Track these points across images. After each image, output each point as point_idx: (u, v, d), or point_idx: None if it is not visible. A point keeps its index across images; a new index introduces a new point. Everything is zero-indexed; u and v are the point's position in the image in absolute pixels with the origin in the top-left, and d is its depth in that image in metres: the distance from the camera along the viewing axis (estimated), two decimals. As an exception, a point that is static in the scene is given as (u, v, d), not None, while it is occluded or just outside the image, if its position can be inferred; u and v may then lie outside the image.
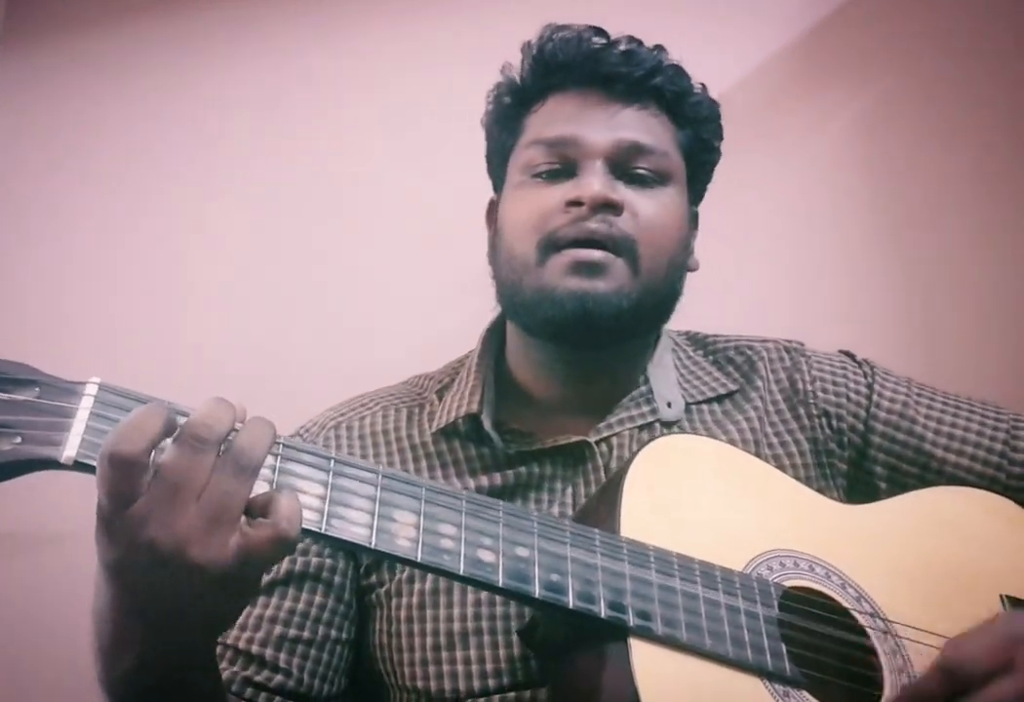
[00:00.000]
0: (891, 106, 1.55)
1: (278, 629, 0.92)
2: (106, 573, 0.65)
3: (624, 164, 0.98)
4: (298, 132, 1.71)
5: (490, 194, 1.12)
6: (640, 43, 1.03)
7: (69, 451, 0.62)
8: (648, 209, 0.98)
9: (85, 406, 0.64)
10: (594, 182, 0.95)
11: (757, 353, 1.08)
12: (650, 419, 1.00)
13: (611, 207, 0.95)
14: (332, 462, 0.70)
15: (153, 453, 0.61)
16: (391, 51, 1.70)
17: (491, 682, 0.88)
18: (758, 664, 0.76)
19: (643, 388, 1.02)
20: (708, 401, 1.03)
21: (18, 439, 0.61)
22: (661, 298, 1.00)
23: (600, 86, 1.01)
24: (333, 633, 0.94)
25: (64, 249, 1.73)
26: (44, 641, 1.48)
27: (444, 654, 0.89)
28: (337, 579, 0.95)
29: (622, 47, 1.02)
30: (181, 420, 0.63)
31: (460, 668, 0.89)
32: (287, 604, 0.93)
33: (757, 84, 1.57)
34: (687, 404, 1.02)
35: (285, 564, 0.94)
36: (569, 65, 1.02)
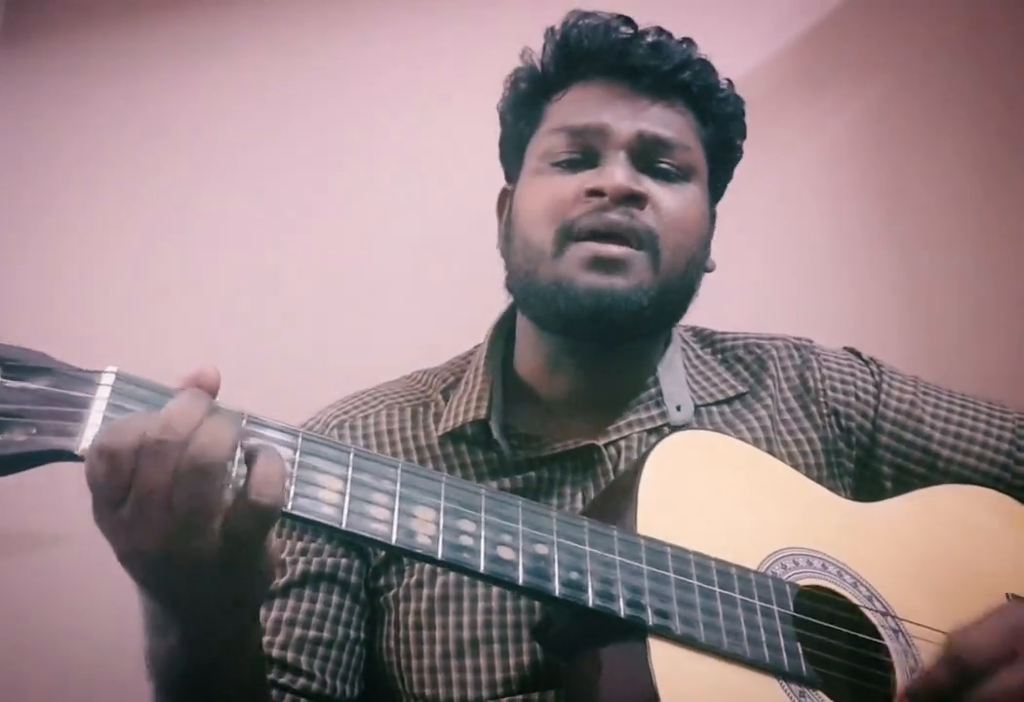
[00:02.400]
0: (891, 105, 1.54)
1: (298, 631, 0.90)
2: (121, 562, 0.64)
3: (647, 157, 0.96)
4: (300, 130, 1.69)
5: (494, 187, 1.09)
6: (669, 35, 1.01)
7: (85, 443, 0.60)
8: (671, 203, 0.95)
9: (102, 396, 0.63)
10: (617, 173, 0.93)
11: (767, 351, 1.06)
12: (659, 422, 0.98)
13: (634, 199, 0.93)
14: (351, 456, 0.69)
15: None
16: (394, 48, 1.69)
17: (500, 690, 0.87)
18: (775, 664, 0.75)
19: (652, 390, 1.00)
20: (718, 403, 1.02)
21: (33, 430, 0.60)
22: (679, 296, 0.98)
23: (626, 78, 0.98)
24: (352, 633, 0.92)
25: (64, 248, 1.72)
26: (44, 641, 1.47)
27: (453, 662, 0.88)
28: (353, 579, 0.94)
29: (650, 39, 0.99)
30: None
31: (469, 676, 0.87)
32: (305, 606, 0.91)
33: (757, 84, 1.55)
34: (696, 406, 1.00)
35: (300, 565, 0.93)
36: (595, 54, 0.99)
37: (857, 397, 1.03)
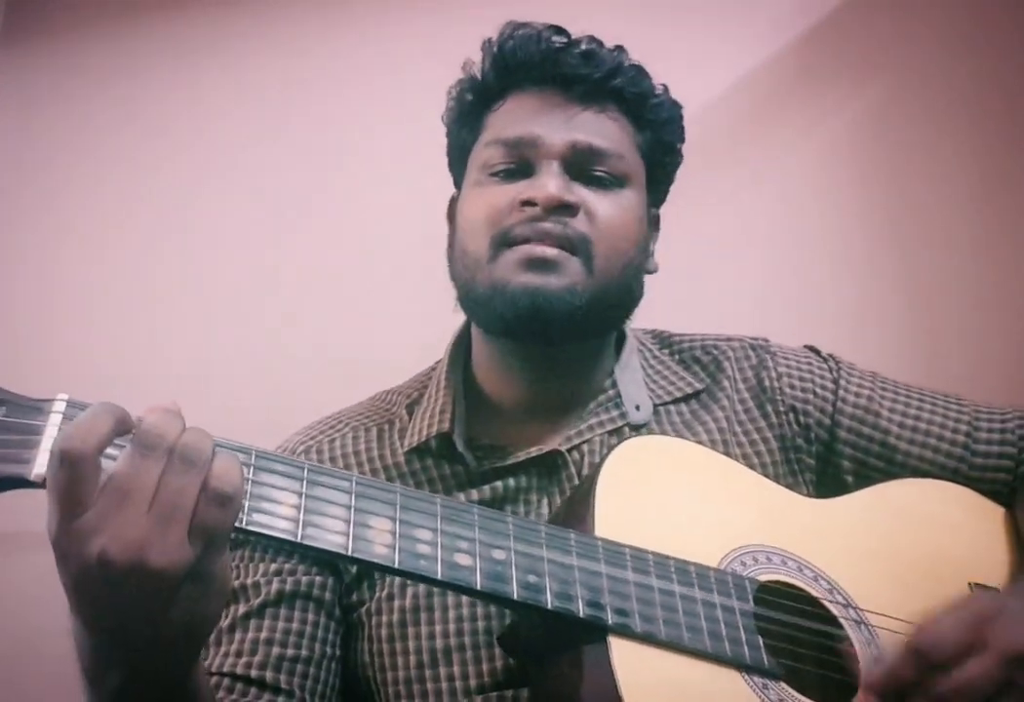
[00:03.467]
0: (891, 105, 1.55)
1: (276, 650, 0.90)
2: (68, 594, 0.62)
3: (580, 166, 0.98)
4: (300, 130, 1.70)
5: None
6: (600, 44, 1.03)
7: (38, 469, 0.61)
8: (604, 210, 0.97)
9: (53, 423, 0.63)
10: (549, 183, 0.95)
11: (723, 352, 1.08)
12: (619, 423, 1.00)
13: (566, 208, 0.95)
14: (305, 471, 0.70)
15: (103, 461, 0.60)
16: (395, 48, 1.70)
17: (477, 698, 0.87)
18: (736, 657, 0.76)
19: (611, 392, 1.02)
20: (676, 401, 1.03)
21: (-14, 458, 0.61)
22: (616, 299, 1.00)
23: (559, 86, 1.00)
24: (329, 650, 0.93)
25: (64, 248, 1.73)
26: (43, 641, 1.45)
27: (428, 672, 0.89)
28: (328, 595, 0.94)
29: (582, 47, 1.01)
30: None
31: (444, 685, 0.88)
32: (281, 625, 0.92)
33: (757, 84, 1.57)
34: (655, 405, 1.02)
35: (275, 585, 0.93)
36: (528, 64, 1.01)
37: (815, 393, 1.05)
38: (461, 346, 1.08)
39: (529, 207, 0.95)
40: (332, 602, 0.94)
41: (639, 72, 1.04)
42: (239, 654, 0.90)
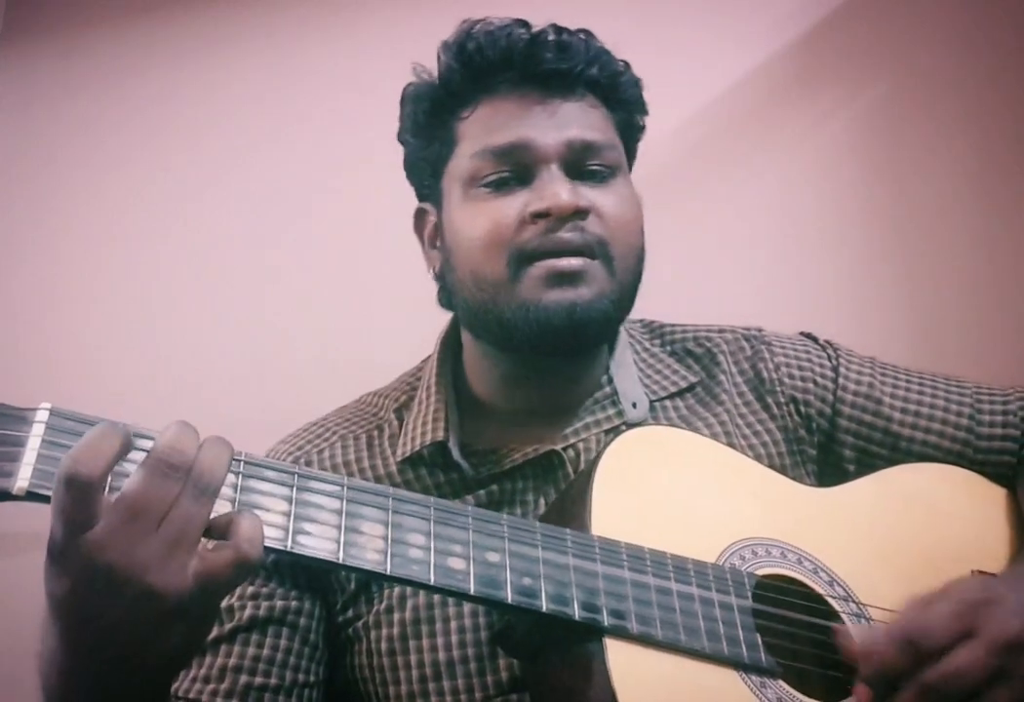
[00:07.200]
0: (891, 105, 1.55)
1: (243, 678, 0.88)
2: (57, 609, 0.63)
3: (576, 163, 0.94)
4: (300, 130, 1.69)
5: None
6: (568, 31, 0.97)
7: (21, 482, 0.61)
8: (611, 206, 0.94)
9: (36, 434, 0.63)
10: (560, 191, 0.90)
11: (717, 345, 1.06)
12: (616, 422, 0.98)
13: (579, 213, 0.91)
14: (296, 477, 0.69)
15: (110, 477, 0.60)
16: (396, 49, 1.67)
17: None
18: (734, 657, 0.76)
19: (607, 389, 1.00)
20: (671, 396, 1.01)
21: (-33, 471, 0.60)
22: (633, 293, 0.97)
23: (536, 83, 0.94)
24: (301, 677, 0.90)
25: (63, 248, 1.73)
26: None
27: (431, 685, 0.87)
28: (303, 621, 0.92)
29: (552, 38, 0.95)
30: (141, 442, 0.63)
31: (449, 699, 0.86)
32: (251, 651, 0.89)
33: (757, 84, 1.56)
34: (651, 402, 1.00)
35: (248, 610, 0.91)
36: (500, 64, 0.95)
37: (815, 382, 1.03)
38: (448, 348, 1.05)
39: (542, 219, 0.91)
40: (308, 627, 0.92)
41: (606, 53, 0.99)
42: (207, 680, 0.87)
